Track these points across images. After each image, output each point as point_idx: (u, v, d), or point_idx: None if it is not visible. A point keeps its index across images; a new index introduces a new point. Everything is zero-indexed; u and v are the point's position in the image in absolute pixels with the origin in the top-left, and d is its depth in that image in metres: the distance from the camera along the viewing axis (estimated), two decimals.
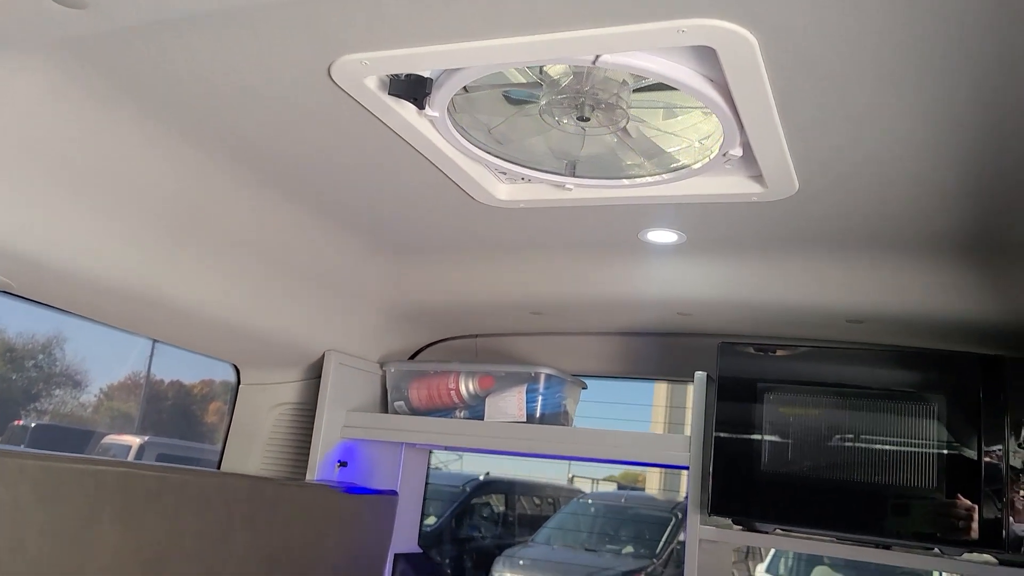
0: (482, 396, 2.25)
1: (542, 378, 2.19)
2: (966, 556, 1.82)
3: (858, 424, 1.79)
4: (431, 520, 9.16)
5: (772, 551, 8.60)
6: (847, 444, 1.79)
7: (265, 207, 1.78)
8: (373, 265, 2.15)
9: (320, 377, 2.23)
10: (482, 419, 2.21)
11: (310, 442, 2.18)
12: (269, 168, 1.63)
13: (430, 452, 2.71)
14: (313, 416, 2.20)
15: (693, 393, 2.00)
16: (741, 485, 1.85)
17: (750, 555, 9.69)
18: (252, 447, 2.32)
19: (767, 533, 1.94)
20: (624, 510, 9.26)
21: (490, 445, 2.15)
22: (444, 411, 2.30)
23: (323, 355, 2.24)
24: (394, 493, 2.06)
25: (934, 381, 1.76)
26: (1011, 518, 1.66)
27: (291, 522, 1.68)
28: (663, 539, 8.46)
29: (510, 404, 2.19)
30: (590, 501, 9.66)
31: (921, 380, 1.77)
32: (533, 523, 9.70)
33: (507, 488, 10.13)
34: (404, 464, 2.54)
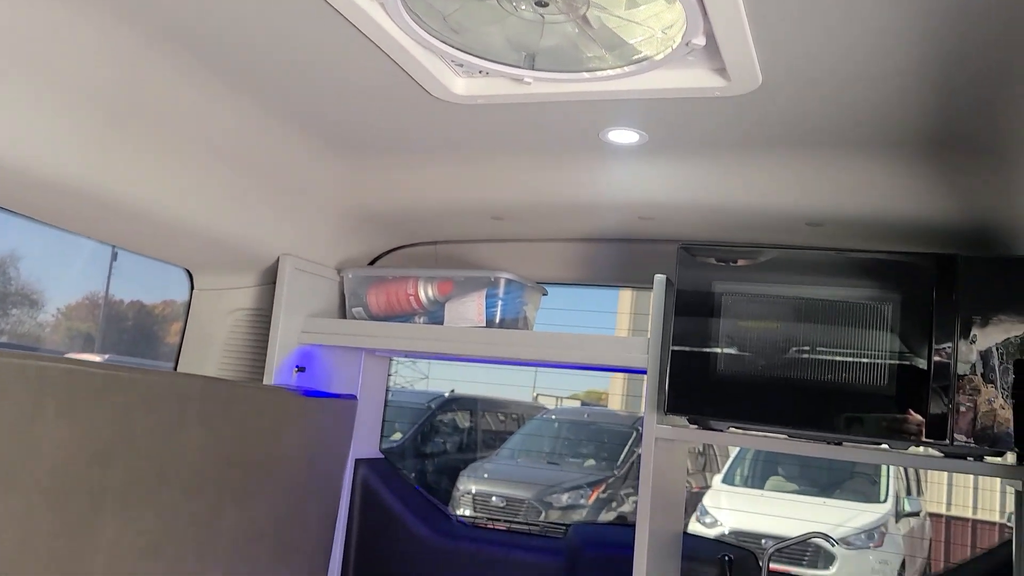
0: (441, 302, 2.24)
1: (502, 283, 2.17)
2: (912, 450, 1.88)
3: (812, 322, 1.80)
4: (397, 436, 9.29)
5: (728, 463, 8.88)
6: (801, 342, 1.81)
7: (210, 100, 1.70)
8: (328, 166, 2.09)
9: (276, 283, 2.20)
10: (442, 325, 2.20)
11: (267, 348, 2.16)
12: (212, 58, 1.55)
13: (390, 360, 2.71)
14: (270, 322, 2.17)
15: (652, 296, 2.00)
16: (697, 384, 1.87)
17: (707, 467, 10.01)
18: (208, 353, 2.29)
19: (721, 431, 1.98)
20: (586, 425, 9.46)
21: (450, 350, 2.15)
22: (403, 317, 2.29)
23: (278, 259, 2.19)
24: (353, 397, 2.06)
25: (889, 281, 1.77)
26: (956, 413, 1.70)
27: (247, 422, 1.66)
28: (624, 452, 8.69)
29: (469, 309, 2.18)
30: (553, 417, 9.84)
31: (876, 280, 1.78)
32: (497, 439, 9.89)
33: (472, 405, 10.27)
34: (364, 371, 2.53)
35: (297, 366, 2.22)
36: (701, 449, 10.08)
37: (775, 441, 1.91)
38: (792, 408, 1.81)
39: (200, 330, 2.31)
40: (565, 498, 8.05)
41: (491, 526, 3.09)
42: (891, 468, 7.90)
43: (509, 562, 2.47)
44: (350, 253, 2.45)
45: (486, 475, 8.46)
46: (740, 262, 1.89)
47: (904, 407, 1.73)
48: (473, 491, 8.19)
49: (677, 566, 2.29)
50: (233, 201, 1.95)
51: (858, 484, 7.89)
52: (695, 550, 2.35)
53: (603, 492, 8.27)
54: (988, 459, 1.81)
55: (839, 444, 1.87)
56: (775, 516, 7.21)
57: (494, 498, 8.05)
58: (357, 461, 2.55)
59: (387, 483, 2.59)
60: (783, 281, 1.85)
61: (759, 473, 8.42)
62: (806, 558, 6.63)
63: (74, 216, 1.79)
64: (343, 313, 2.40)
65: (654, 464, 1.97)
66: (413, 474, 8.64)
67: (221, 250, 2.07)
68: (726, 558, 2.15)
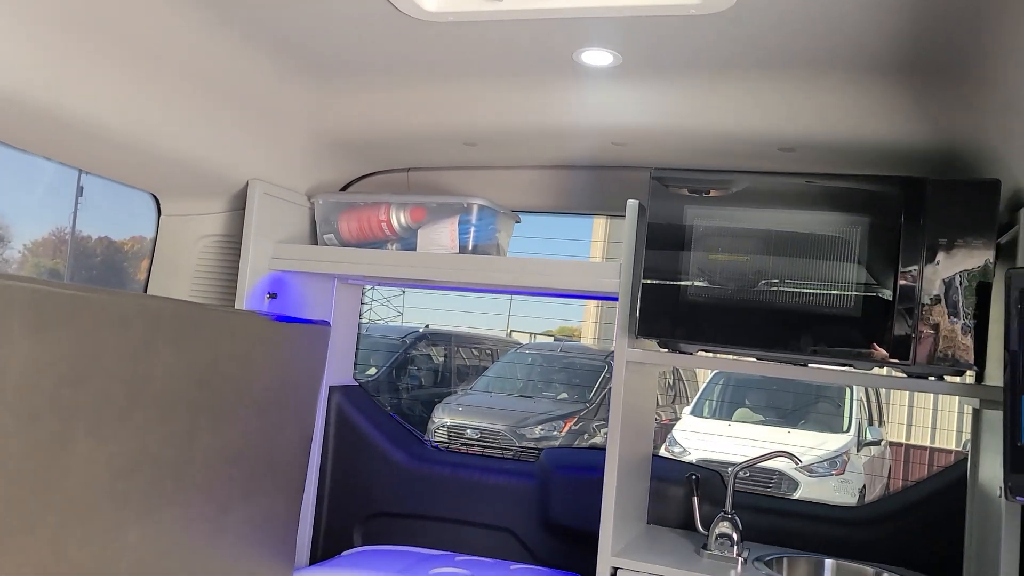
0: (414, 228, 2.22)
1: (474, 209, 2.16)
2: (876, 370, 1.93)
3: (782, 241, 1.82)
4: (372, 371, 9.34)
5: (697, 395, 9.06)
6: (771, 264, 1.83)
7: (177, 18, 1.64)
8: (298, 89, 2.04)
9: (245, 208, 2.16)
10: (415, 251, 2.19)
11: (238, 274, 2.14)
12: None
13: (363, 289, 2.70)
14: (240, 248, 2.15)
15: (625, 221, 2.00)
16: (667, 308, 1.89)
17: (676, 399, 10.20)
18: (178, 280, 2.26)
19: (690, 354, 2.01)
20: (560, 359, 9.56)
21: (423, 276, 2.15)
22: (375, 244, 2.27)
23: (247, 184, 2.16)
24: (326, 323, 2.05)
25: (858, 205, 1.79)
26: (919, 335, 1.74)
27: (218, 345, 1.66)
28: (596, 386, 8.82)
29: (442, 235, 2.17)
30: (527, 351, 9.93)
31: (846, 205, 1.79)
32: (472, 373, 9.98)
33: (446, 340, 10.33)
34: (337, 299, 2.53)
35: (269, 292, 2.21)
36: (671, 382, 10.26)
37: (743, 364, 1.95)
38: (760, 331, 1.84)
39: (169, 257, 2.28)
40: (538, 430, 8.19)
41: (465, 451, 3.13)
42: (854, 399, 8.11)
43: (483, 485, 2.52)
44: (321, 179, 2.42)
45: (461, 408, 8.56)
46: (712, 192, 1.89)
47: (869, 329, 1.77)
48: (448, 424, 8.29)
49: (646, 487, 2.36)
50: (201, 123, 1.90)
51: (822, 415, 8.09)
52: (664, 471, 2.41)
53: (575, 424, 8.42)
54: (948, 379, 1.87)
55: (805, 366, 1.91)
56: (741, 445, 7.39)
57: (469, 431, 8.17)
58: (331, 388, 2.56)
59: (361, 410, 2.61)
60: (756, 201, 1.86)
61: (727, 405, 8.60)
62: (771, 484, 6.84)
63: (36, 136, 1.74)
64: (314, 240, 2.38)
65: (624, 388, 2.00)
66: (388, 408, 8.73)
67: (188, 174, 2.03)
68: (693, 477, 2.20)
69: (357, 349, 2.69)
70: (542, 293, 2.32)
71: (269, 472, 1.89)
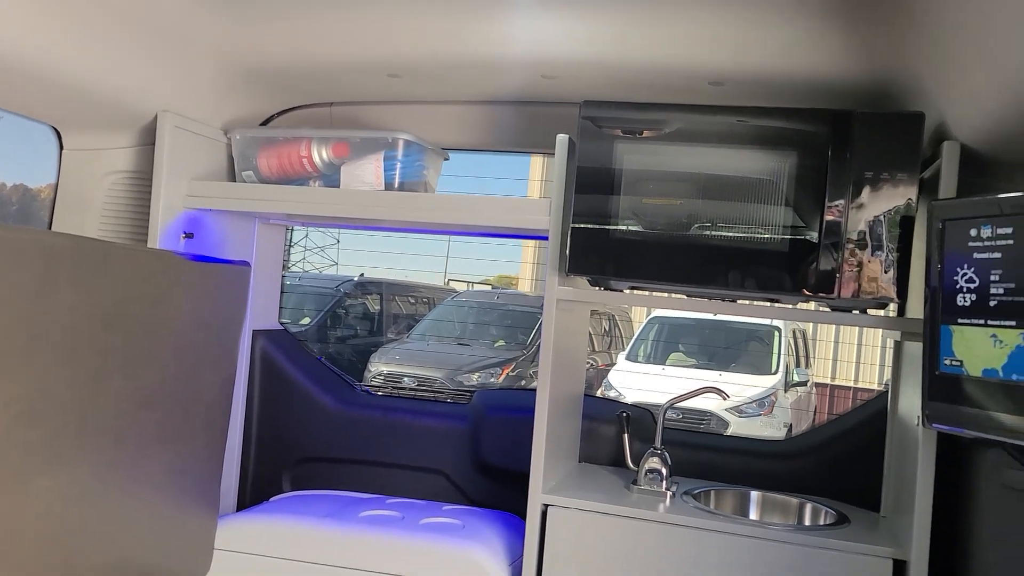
0: (337, 164, 2.14)
1: (400, 145, 2.09)
2: (801, 305, 1.94)
3: (710, 178, 1.81)
4: (306, 320, 9.20)
5: (632, 341, 9.19)
6: (700, 203, 1.81)
7: None
8: (207, 11, 1.91)
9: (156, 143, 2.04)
10: (338, 188, 2.11)
11: (150, 213, 2.03)
12: None
13: (287, 230, 2.61)
14: (151, 186, 2.04)
15: (555, 157, 1.96)
16: (597, 245, 1.87)
17: (612, 345, 10.33)
18: (84, 219, 2.14)
19: (621, 291, 1.99)
20: (497, 307, 9.57)
21: (347, 214, 2.07)
22: (297, 182, 2.18)
23: (156, 117, 2.03)
24: (246, 264, 1.97)
25: (786, 139, 1.77)
26: (844, 269, 1.76)
27: (127, 285, 1.56)
28: (533, 333, 8.86)
29: (367, 172, 2.09)
30: (464, 299, 9.91)
31: (774, 139, 1.78)
32: (408, 322, 9.92)
33: (382, 289, 10.23)
34: (258, 240, 2.44)
35: (184, 232, 2.11)
36: (607, 328, 10.38)
37: (673, 300, 1.95)
38: (689, 268, 1.83)
39: (73, 195, 2.15)
40: (475, 377, 8.22)
41: (396, 395, 3.09)
42: (782, 342, 8.34)
43: (415, 428, 2.49)
44: (238, 113, 2.30)
45: (397, 357, 8.52)
46: (644, 132, 1.85)
47: (796, 263, 1.77)
48: (384, 372, 8.25)
49: (578, 426, 2.36)
50: (101, 47, 1.77)
51: (752, 358, 8.32)
52: (596, 410, 2.42)
53: (512, 371, 8.48)
54: (872, 313, 1.89)
55: (733, 301, 1.91)
56: (675, 388, 7.55)
57: (405, 379, 8.15)
58: (255, 332, 2.48)
59: (287, 354, 2.54)
60: (685, 135, 1.83)
61: (661, 350, 8.76)
62: (702, 425, 7.01)
63: None
64: (232, 178, 2.28)
65: (555, 326, 1.98)
66: (323, 357, 8.63)
67: (90, 104, 1.90)
68: (624, 415, 2.21)
69: (282, 293, 2.61)
70: (471, 232, 2.27)
71: (188, 416, 1.81)
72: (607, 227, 1.86)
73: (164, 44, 1.95)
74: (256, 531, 2.07)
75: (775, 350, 8.34)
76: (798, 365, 8.67)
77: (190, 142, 2.13)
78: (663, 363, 8.62)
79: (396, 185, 2.09)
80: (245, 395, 2.48)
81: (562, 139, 1.95)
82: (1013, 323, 1.41)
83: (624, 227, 1.85)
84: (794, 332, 8.85)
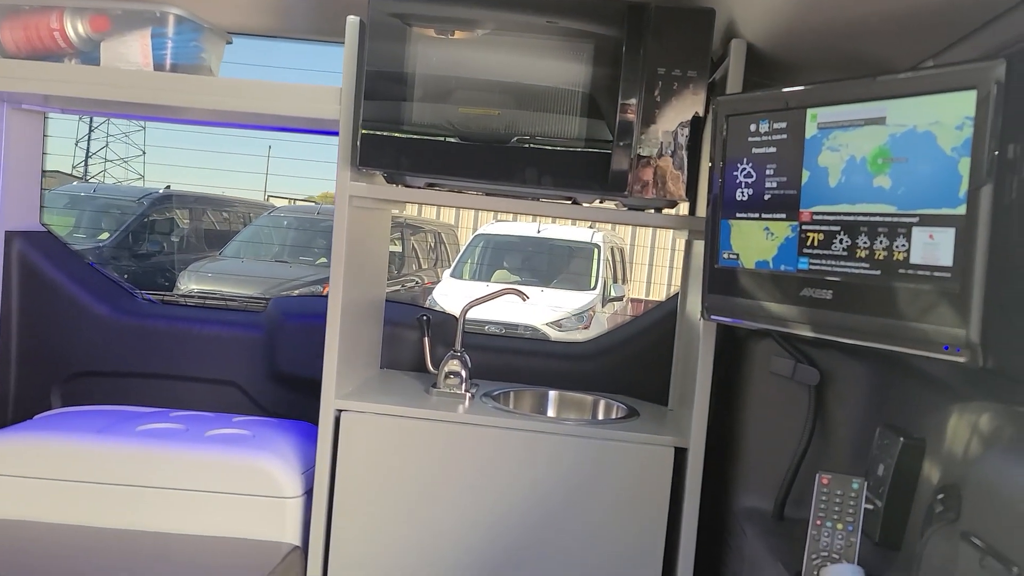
0: (96, 40, 1.88)
1: (170, 21, 1.86)
2: (597, 204, 1.95)
3: (507, 69, 1.74)
4: (105, 236, 8.48)
5: (457, 258, 9.20)
6: (496, 92, 1.75)
7: None
8: None
9: None
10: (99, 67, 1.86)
11: None
12: None
13: (45, 118, 2.30)
14: None
15: (345, 40, 1.81)
16: (391, 135, 1.76)
17: (438, 263, 10.30)
18: None
19: (418, 188, 1.91)
20: (318, 222, 9.22)
21: (111, 96, 1.83)
22: (50, 59, 1.91)
23: None
24: None
25: (583, 28, 1.73)
26: (637, 168, 1.76)
27: None
28: None
29: (132, 50, 1.85)
30: (283, 215, 9.46)
31: (571, 27, 1.73)
32: (222, 239, 9.38)
33: (192, 203, 9.58)
34: (8, 129, 2.13)
35: None
36: (432, 245, 10.33)
37: (470, 198, 1.88)
38: (487, 164, 1.76)
39: None
40: (296, 295, 7.93)
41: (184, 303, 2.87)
42: (600, 260, 8.64)
43: (204, 338, 2.33)
44: None
45: (210, 275, 8.05)
46: (433, 27, 1.74)
47: (591, 161, 1.76)
48: (195, 291, 7.78)
49: (379, 331, 2.29)
50: None
51: (572, 274, 8.58)
52: (399, 316, 2.35)
53: None
54: (666, 212, 1.93)
55: (537, 200, 1.88)
56: (500, 305, 7.65)
57: (218, 298, 7.73)
58: (9, 234, 2.19)
59: (51, 258, 2.27)
60: (481, 18, 1.74)
61: (486, 267, 8.83)
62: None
63: None
64: None
65: (348, 226, 1.87)
66: (125, 276, 7.99)
67: None
68: (424, 318, 2.16)
69: (43, 190, 2.31)
70: (256, 126, 2.09)
71: None
72: (400, 113, 1.75)
73: None
74: (14, 450, 1.86)
75: (594, 267, 8.63)
76: (615, 281, 9.03)
77: None
78: (488, 280, 8.69)
79: (168, 67, 1.87)
80: (1, 303, 2.20)
81: (352, 21, 1.80)
82: (783, 215, 1.46)
83: (416, 115, 1.75)
84: (612, 250, 9.19)
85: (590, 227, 9.13)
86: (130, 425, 1.99)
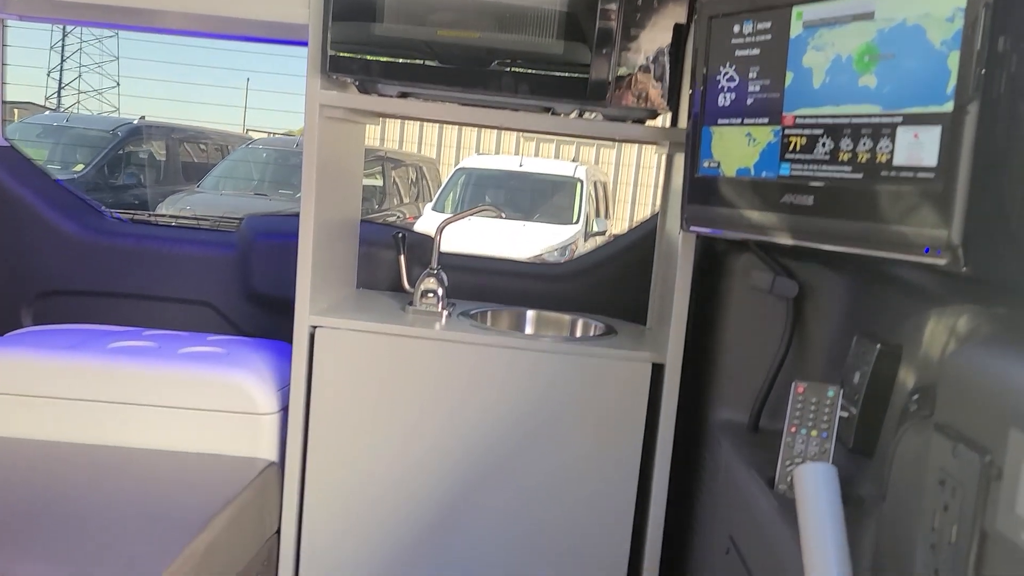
0: None
1: None
2: (575, 116, 1.90)
3: None
4: (79, 167, 8.31)
5: (439, 191, 9.09)
6: (474, 14, 1.68)
7: None
8: None
9: None
10: None
11: None
12: None
13: (3, 23, 2.19)
14: None
15: None
16: (362, 37, 1.69)
17: (420, 197, 10.19)
18: None
19: (391, 96, 1.85)
20: (298, 155, 9.07)
21: None
22: None
23: None
24: None
25: None
26: (617, 77, 1.70)
27: None
28: None
29: None
30: (261, 147, 9.30)
31: None
32: (200, 171, 9.22)
33: (168, 134, 9.38)
34: None
35: None
36: (414, 179, 10.20)
37: (446, 108, 1.83)
38: (463, 69, 1.71)
39: None
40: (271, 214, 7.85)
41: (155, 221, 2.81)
42: (583, 194, 8.58)
43: (176, 257, 2.28)
44: None
45: (188, 208, 7.93)
46: None
47: (570, 70, 1.70)
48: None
49: (354, 251, 2.25)
50: None
51: (555, 208, 8.52)
52: (375, 235, 2.31)
53: None
54: (648, 124, 1.88)
55: (516, 111, 1.83)
56: (480, 237, 7.60)
57: None
58: None
59: (16, 175, 2.20)
60: None
61: (468, 200, 8.75)
62: None
63: None
64: None
65: (320, 141, 1.81)
66: (103, 208, 7.87)
67: None
68: (400, 235, 2.12)
69: (5, 103, 2.23)
70: (217, 35, 2.00)
71: None
72: (371, 17, 1.68)
73: None
74: None
75: (576, 201, 8.57)
76: (598, 215, 8.98)
77: None
78: None
79: None
80: None
81: None
82: (766, 120, 1.42)
83: (389, 19, 1.68)
84: (595, 184, 9.12)
85: (573, 161, 9.03)
86: (102, 342, 1.96)
